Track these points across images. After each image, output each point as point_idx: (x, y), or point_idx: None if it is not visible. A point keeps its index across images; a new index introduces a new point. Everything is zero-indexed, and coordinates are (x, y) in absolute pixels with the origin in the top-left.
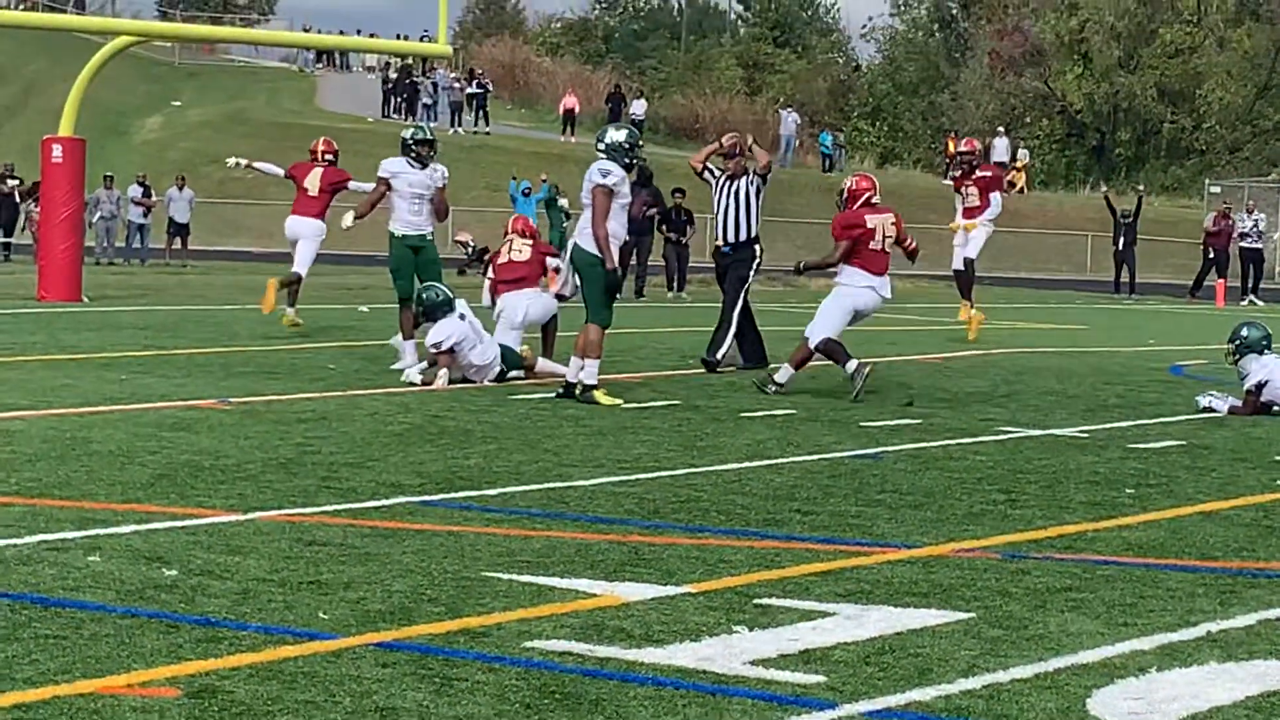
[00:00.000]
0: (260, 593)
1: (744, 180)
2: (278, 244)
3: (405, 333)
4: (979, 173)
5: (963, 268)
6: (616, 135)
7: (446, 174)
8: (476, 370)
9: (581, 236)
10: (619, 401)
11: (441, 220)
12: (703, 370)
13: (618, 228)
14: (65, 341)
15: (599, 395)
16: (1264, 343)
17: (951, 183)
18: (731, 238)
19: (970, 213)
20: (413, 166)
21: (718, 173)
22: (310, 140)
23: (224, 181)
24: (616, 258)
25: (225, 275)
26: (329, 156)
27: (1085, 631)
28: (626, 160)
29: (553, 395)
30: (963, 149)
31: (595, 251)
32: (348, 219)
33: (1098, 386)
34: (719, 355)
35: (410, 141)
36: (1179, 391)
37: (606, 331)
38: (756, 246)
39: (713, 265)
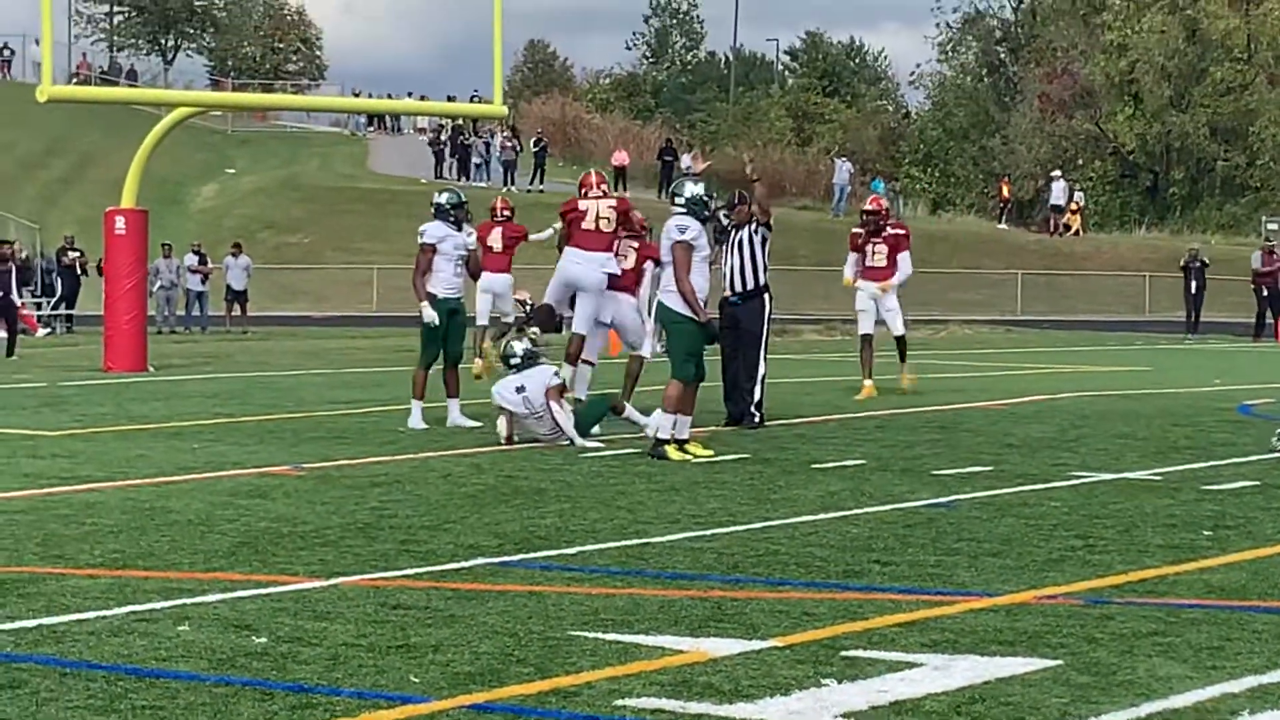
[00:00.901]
0: (350, 658)
1: (748, 229)
2: (334, 308)
3: (416, 391)
4: (888, 230)
5: (901, 333)
6: (695, 189)
7: (473, 234)
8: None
9: (665, 294)
10: (688, 457)
11: (475, 279)
12: (765, 423)
13: (701, 281)
14: (135, 412)
15: (670, 450)
16: None
17: (851, 240)
18: (739, 287)
19: (874, 273)
20: (452, 229)
21: (724, 221)
22: (361, 203)
23: (279, 247)
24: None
25: (286, 340)
26: (505, 213)
27: (1175, 675)
28: (705, 213)
29: (625, 452)
30: (868, 208)
31: (679, 309)
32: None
33: (1166, 428)
34: (754, 410)
35: (448, 207)
36: (1249, 431)
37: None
38: (765, 295)
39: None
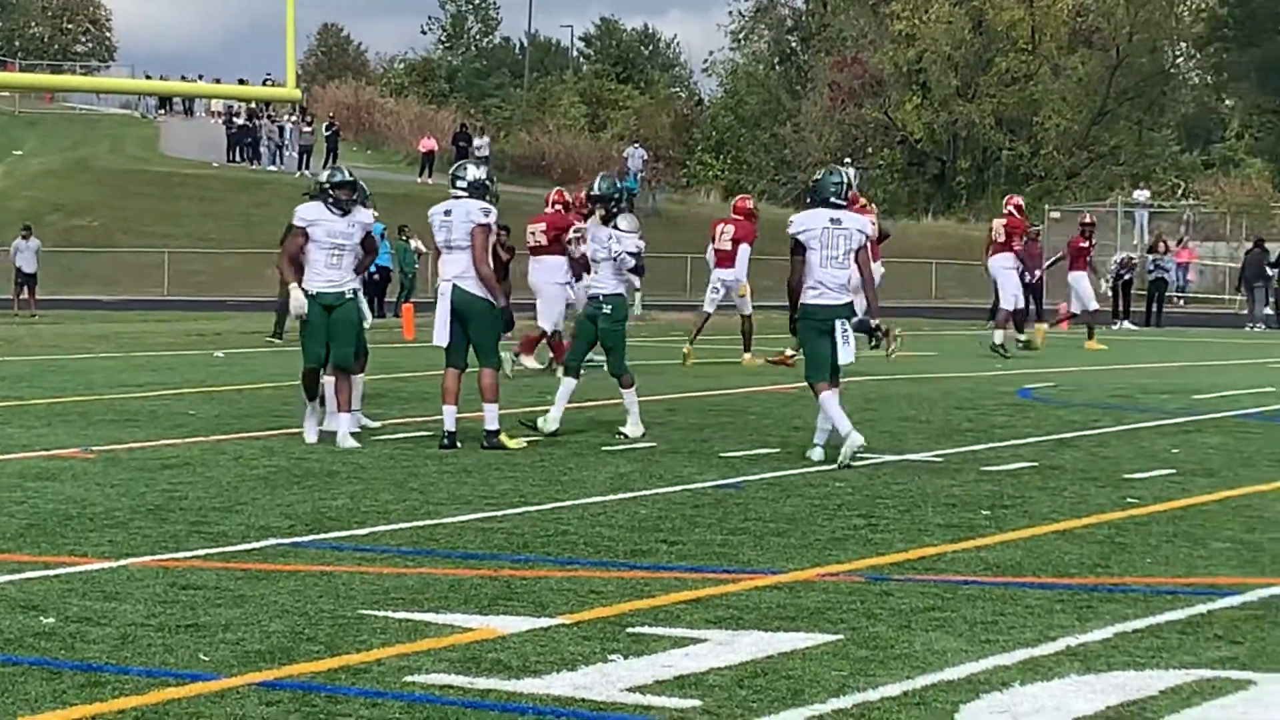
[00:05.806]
0: (139, 637)
1: None
2: (124, 291)
3: (309, 393)
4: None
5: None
6: (479, 172)
7: (373, 219)
8: None
9: (465, 280)
10: (524, 444)
11: (359, 273)
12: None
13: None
14: None
15: (504, 439)
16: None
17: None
18: None
19: (723, 258)
20: (333, 213)
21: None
22: (152, 186)
23: (68, 230)
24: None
25: (75, 325)
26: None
27: (950, 649)
28: (488, 197)
29: (418, 434)
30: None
31: (482, 294)
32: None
33: (949, 411)
34: None
35: (328, 185)
36: (1028, 414)
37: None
38: None
39: None
